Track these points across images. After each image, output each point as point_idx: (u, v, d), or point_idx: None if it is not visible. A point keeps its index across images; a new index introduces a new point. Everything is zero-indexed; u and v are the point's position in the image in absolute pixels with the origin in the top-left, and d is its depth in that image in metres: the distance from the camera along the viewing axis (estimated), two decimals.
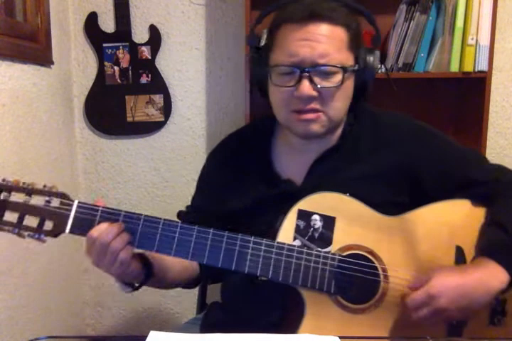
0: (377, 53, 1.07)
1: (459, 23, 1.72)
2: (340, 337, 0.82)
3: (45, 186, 0.96)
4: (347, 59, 1.03)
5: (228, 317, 1.18)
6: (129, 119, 2.04)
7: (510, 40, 2.00)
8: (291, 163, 1.14)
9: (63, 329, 1.98)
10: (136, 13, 2.03)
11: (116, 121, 2.05)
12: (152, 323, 2.23)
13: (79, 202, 0.96)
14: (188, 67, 2.07)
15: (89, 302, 2.21)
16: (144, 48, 2.01)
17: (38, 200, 0.95)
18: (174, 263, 1.10)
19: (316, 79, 1.00)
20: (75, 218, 0.95)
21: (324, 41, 0.99)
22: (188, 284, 1.21)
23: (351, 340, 0.97)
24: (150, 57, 2.02)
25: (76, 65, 2.07)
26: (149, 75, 2.02)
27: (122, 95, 2.03)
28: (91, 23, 2.02)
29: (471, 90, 1.88)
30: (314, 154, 1.12)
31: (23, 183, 0.95)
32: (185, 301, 2.20)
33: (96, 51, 2.03)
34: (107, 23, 2.03)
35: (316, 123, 1.04)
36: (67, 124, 2.01)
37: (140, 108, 2.03)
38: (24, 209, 0.94)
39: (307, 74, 0.99)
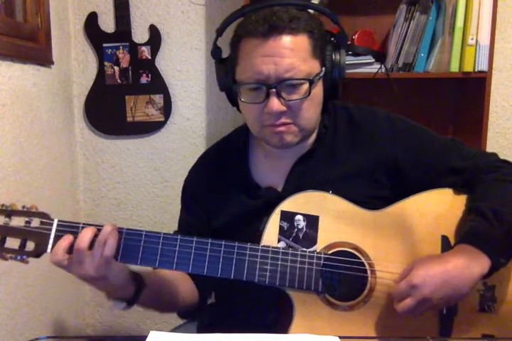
0: (343, 51, 1.06)
1: (459, 23, 1.72)
2: (340, 337, 0.82)
3: (24, 207, 0.96)
4: (312, 67, 1.02)
5: (222, 318, 1.18)
6: (129, 119, 2.04)
7: (510, 40, 2.00)
8: (270, 170, 1.15)
9: (63, 329, 1.98)
10: (136, 13, 2.03)
11: (116, 121, 2.05)
12: (152, 323, 2.23)
13: (59, 221, 0.96)
14: (188, 67, 2.07)
15: (89, 302, 2.21)
16: (144, 48, 2.01)
17: (18, 221, 0.95)
18: (171, 282, 1.10)
19: (284, 94, 1.00)
20: (56, 237, 0.95)
21: (287, 55, 0.98)
22: (187, 308, 1.19)
23: (351, 340, 0.97)
24: (150, 57, 2.02)
25: (76, 64, 2.07)
26: (149, 75, 2.02)
27: (122, 95, 2.03)
28: (91, 23, 2.02)
29: (471, 90, 1.88)
30: (292, 159, 1.13)
31: (2, 205, 0.96)
32: None
33: (96, 51, 2.03)
34: (107, 23, 2.03)
35: (288, 134, 1.04)
36: (67, 124, 2.01)
37: (140, 108, 2.03)
38: (4, 232, 0.94)
39: (274, 90, 0.99)
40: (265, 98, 1.00)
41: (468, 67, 1.73)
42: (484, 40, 1.72)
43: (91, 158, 2.13)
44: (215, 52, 1.10)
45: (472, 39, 1.72)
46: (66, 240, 0.94)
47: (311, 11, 1.06)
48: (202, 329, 1.23)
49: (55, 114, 1.90)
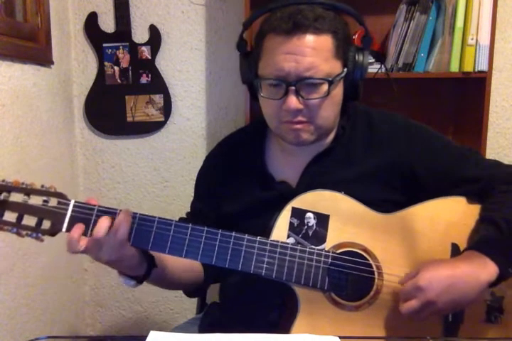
0: (367, 52, 1.07)
1: (459, 23, 1.72)
2: (340, 337, 0.82)
3: (42, 186, 0.98)
4: (334, 67, 1.02)
5: (226, 317, 1.18)
6: (129, 119, 2.04)
7: (510, 40, 2.00)
8: (285, 165, 1.15)
9: (63, 329, 1.98)
10: (136, 13, 2.03)
11: (116, 121, 2.05)
12: (152, 323, 2.23)
13: (75, 202, 0.97)
14: (188, 67, 2.07)
15: (89, 302, 2.21)
16: (144, 48, 2.01)
17: (36, 200, 0.97)
18: (178, 261, 1.10)
19: (303, 92, 1.01)
20: (72, 217, 0.96)
21: (309, 54, 0.99)
22: (191, 288, 1.21)
23: (351, 340, 0.97)
24: (150, 57, 2.02)
25: (76, 64, 2.07)
26: (149, 75, 2.02)
27: (122, 95, 2.03)
28: (91, 23, 2.02)
29: (471, 90, 1.88)
30: (308, 157, 1.13)
31: (22, 184, 0.97)
32: (185, 301, 2.20)
33: (96, 51, 2.03)
34: (107, 23, 2.03)
35: (305, 132, 1.05)
36: (67, 124, 2.01)
37: (140, 108, 2.03)
38: (23, 209, 0.96)
39: (293, 87, 1.00)
40: (284, 95, 1.01)
41: (468, 67, 1.74)
42: (484, 40, 1.72)
43: (91, 158, 2.13)
44: (241, 45, 1.10)
45: (472, 39, 1.72)
46: (77, 229, 0.94)
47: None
48: (204, 328, 1.23)
49: (55, 114, 1.90)
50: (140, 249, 1.01)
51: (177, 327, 1.33)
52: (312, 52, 0.99)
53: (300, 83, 1.00)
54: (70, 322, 2.06)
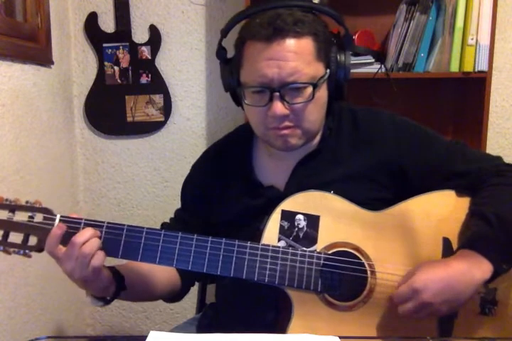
0: (349, 52, 1.06)
1: (459, 23, 1.72)
2: (340, 337, 0.82)
3: (27, 202, 0.97)
4: (317, 70, 1.02)
5: (223, 318, 1.18)
6: (129, 119, 2.04)
7: (510, 40, 2.00)
8: (272, 169, 1.15)
9: (63, 329, 1.98)
10: (136, 13, 2.03)
11: (116, 121, 2.05)
12: (152, 323, 2.23)
13: (61, 216, 0.97)
14: (188, 67, 2.07)
15: (89, 302, 2.21)
16: (144, 48, 2.01)
17: (21, 216, 0.96)
18: (152, 275, 1.10)
19: (287, 97, 1.00)
20: None
21: (291, 58, 0.98)
22: (170, 296, 1.20)
23: (351, 340, 0.97)
24: (150, 57, 2.02)
25: (76, 64, 2.07)
26: (149, 75, 2.02)
27: (122, 95, 2.03)
28: (91, 23, 2.02)
29: (471, 90, 1.88)
30: (295, 160, 1.12)
31: (6, 200, 0.97)
32: (184, 301, 2.18)
33: (96, 51, 2.03)
34: (107, 23, 2.03)
35: (292, 136, 1.04)
36: (67, 124, 2.01)
37: (140, 108, 2.04)
38: (8, 226, 0.96)
39: (278, 93, 0.99)
40: (269, 101, 1.00)
41: (468, 67, 1.74)
42: (484, 40, 1.72)
43: (91, 158, 2.13)
44: (220, 53, 1.09)
45: (472, 39, 1.72)
46: (60, 229, 0.94)
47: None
48: (202, 329, 1.23)
49: (55, 114, 1.90)
50: (110, 271, 1.00)
51: (177, 327, 1.33)
52: (294, 56, 0.98)
53: (284, 88, 0.99)
54: (70, 322, 2.06)
